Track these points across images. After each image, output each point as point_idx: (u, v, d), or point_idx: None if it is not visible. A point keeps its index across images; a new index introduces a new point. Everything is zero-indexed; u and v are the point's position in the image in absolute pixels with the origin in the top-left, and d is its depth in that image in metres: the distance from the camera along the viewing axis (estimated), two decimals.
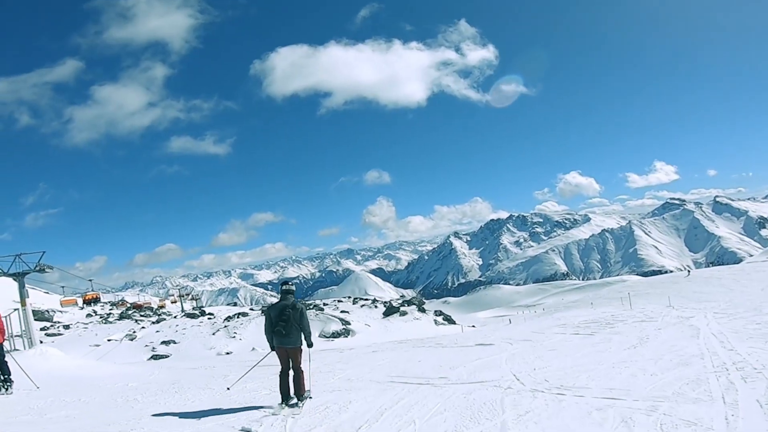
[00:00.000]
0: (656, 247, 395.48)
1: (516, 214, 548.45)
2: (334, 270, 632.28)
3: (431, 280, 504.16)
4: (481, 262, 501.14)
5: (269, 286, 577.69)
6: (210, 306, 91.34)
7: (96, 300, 49.17)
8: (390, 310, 65.57)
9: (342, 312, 62.10)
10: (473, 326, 79.10)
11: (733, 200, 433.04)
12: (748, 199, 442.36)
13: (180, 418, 7.21)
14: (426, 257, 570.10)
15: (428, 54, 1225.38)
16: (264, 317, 7.07)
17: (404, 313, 64.50)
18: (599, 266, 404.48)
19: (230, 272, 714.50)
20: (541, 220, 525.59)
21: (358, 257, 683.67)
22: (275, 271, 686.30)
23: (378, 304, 68.28)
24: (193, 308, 71.99)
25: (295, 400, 6.76)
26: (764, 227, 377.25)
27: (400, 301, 74.32)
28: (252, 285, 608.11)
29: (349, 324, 55.07)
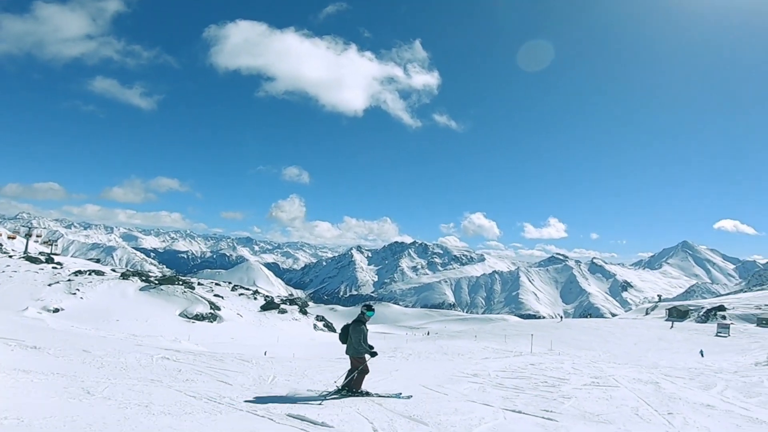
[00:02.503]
0: (536, 294, 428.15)
1: (419, 242, 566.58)
2: (228, 255, 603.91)
3: (324, 286, 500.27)
4: (376, 279, 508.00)
5: (152, 254, 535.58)
6: (73, 257, 79.64)
7: None
8: (269, 305, 60.97)
9: (215, 296, 56.35)
10: None
11: (606, 263, 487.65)
12: (619, 264, 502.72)
13: None
14: (324, 263, 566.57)
15: (378, 66, 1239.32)
16: None
17: (284, 311, 60.20)
18: (484, 303, 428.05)
19: (113, 229, 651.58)
20: (441, 251, 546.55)
21: (256, 248, 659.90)
22: (163, 240, 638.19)
23: (259, 297, 63.38)
24: (41, 253, 61.69)
25: (344, 389, 8.24)
26: (626, 290, 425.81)
27: (282, 299, 69.80)
28: (133, 248, 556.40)
29: (219, 310, 49.68)
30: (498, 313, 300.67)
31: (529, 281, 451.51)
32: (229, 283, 77.78)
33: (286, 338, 47.43)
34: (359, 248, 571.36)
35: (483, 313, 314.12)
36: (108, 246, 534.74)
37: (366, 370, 8.37)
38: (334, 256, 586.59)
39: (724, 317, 67.71)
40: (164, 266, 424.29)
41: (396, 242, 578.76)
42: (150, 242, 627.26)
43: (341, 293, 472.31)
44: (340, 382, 8.42)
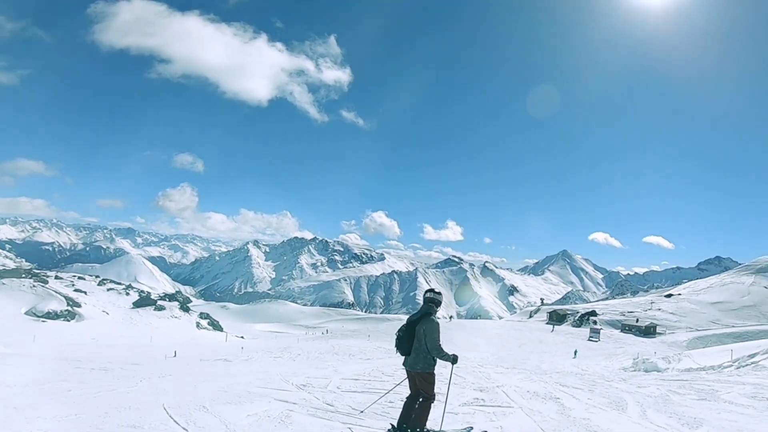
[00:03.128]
0: None
1: (320, 238, 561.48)
2: (105, 247, 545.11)
3: (217, 283, 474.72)
4: (274, 276, 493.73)
5: (7, 246, 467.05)
6: None
7: None
8: (143, 301, 54.43)
9: (76, 291, 48.70)
10: (242, 337, 71.90)
11: (497, 267, 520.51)
12: (507, 269, 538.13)
13: None
14: (218, 258, 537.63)
15: (288, 57, 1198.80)
16: None
17: (161, 308, 54.09)
18: (382, 302, 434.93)
19: None
20: (341, 249, 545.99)
21: (139, 240, 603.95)
22: (22, 230, 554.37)
23: (131, 292, 56.27)
24: None
25: (401, 429, 5.52)
26: (512, 294, 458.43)
27: (160, 295, 63.01)
28: None
29: (79, 306, 42.76)
30: (396, 313, 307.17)
31: (426, 282, 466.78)
32: (97, 276, 68.64)
33: (162, 338, 42.39)
34: (256, 243, 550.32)
35: (381, 313, 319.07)
36: None
37: (433, 396, 5.60)
38: (229, 251, 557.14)
39: (595, 322, 73.52)
40: (23, 260, 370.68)
41: (296, 238, 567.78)
42: (5, 232, 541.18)
43: (236, 290, 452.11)
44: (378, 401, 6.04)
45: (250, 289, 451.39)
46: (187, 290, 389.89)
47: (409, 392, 5.75)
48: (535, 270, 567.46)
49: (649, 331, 66.47)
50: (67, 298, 42.17)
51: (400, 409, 5.71)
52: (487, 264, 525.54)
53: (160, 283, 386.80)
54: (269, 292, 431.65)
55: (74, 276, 58.78)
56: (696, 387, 10.52)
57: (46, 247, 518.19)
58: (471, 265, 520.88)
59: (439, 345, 5.47)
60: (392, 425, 5.66)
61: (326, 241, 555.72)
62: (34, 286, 41.86)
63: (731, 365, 17.08)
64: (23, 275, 45.38)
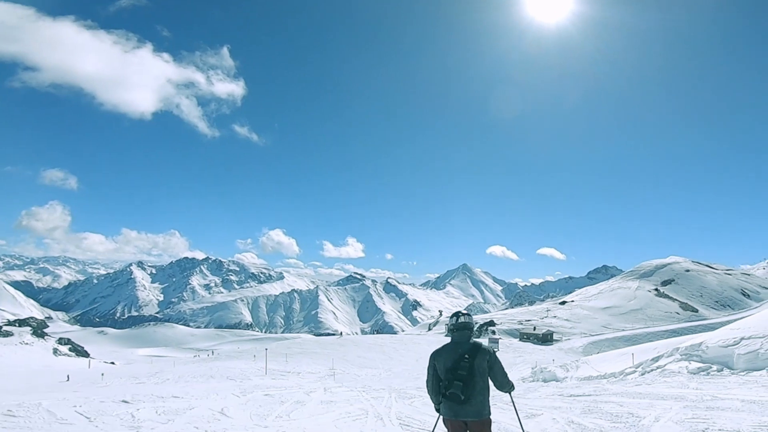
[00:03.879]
0: (334, 313, 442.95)
1: (213, 258, 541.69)
2: None
3: (96, 307, 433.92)
4: (162, 298, 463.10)
5: None
6: None
7: None
8: None
9: None
10: (113, 363, 66.34)
11: (399, 283, 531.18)
12: (410, 284, 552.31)
13: None
14: (95, 281, 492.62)
15: (175, 69, 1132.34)
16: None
17: (7, 334, 48.61)
18: (282, 322, 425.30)
19: None
20: (237, 268, 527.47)
21: (0, 263, 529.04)
22: None
23: None
24: None
25: None
26: (416, 309, 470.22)
27: (9, 320, 56.41)
28: None
29: None
30: (297, 332, 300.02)
31: (328, 300, 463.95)
32: None
33: (2, 368, 38.08)
34: (140, 264, 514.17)
35: (282, 333, 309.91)
36: None
37: None
38: (109, 273, 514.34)
39: (494, 332, 73.77)
40: None
41: (186, 258, 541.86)
42: None
43: (118, 314, 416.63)
44: None
45: (135, 313, 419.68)
46: (59, 316, 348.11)
47: None
48: (437, 284, 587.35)
49: (546, 339, 66.84)
50: None
51: None
52: (389, 280, 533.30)
53: (26, 309, 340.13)
54: (157, 315, 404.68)
55: None
56: (605, 409, 8.48)
57: None
58: (373, 281, 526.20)
59: (507, 379, 4.23)
60: None
61: (220, 260, 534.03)
62: None
63: (634, 371, 15.20)
64: None
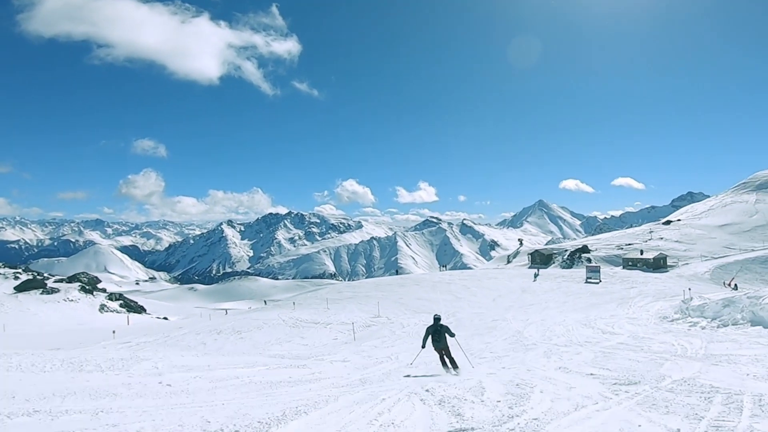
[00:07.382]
0: (413, 258, 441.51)
1: (295, 212, 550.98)
2: (73, 240, 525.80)
3: (194, 266, 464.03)
4: (252, 254, 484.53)
5: None
6: None
7: None
8: (28, 284, 45.52)
9: None
10: (165, 318, 62.42)
11: (475, 224, 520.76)
12: (486, 224, 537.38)
13: None
14: (192, 241, 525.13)
15: (232, 33, 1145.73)
16: None
17: (52, 291, 45.15)
18: (364, 270, 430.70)
19: None
20: (318, 221, 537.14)
21: (109, 230, 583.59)
22: None
23: (9, 274, 46.91)
24: None
25: (453, 370, 10.06)
26: (494, 249, 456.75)
27: (59, 278, 53.46)
28: None
29: None
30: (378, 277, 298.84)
31: (407, 245, 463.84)
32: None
33: (28, 326, 33.62)
34: (230, 222, 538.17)
35: (366, 279, 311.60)
36: None
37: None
38: (203, 233, 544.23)
39: (590, 260, 61.92)
40: None
41: (270, 214, 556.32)
42: None
43: (214, 272, 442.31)
44: None
45: (229, 269, 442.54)
46: (161, 276, 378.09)
47: None
48: (514, 223, 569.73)
49: (659, 265, 54.96)
50: None
51: None
52: (465, 221, 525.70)
53: (132, 272, 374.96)
54: (248, 270, 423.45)
55: None
56: None
57: (12, 246, 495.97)
58: (449, 224, 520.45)
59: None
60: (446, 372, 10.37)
61: (302, 214, 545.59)
62: None
63: None
64: None
